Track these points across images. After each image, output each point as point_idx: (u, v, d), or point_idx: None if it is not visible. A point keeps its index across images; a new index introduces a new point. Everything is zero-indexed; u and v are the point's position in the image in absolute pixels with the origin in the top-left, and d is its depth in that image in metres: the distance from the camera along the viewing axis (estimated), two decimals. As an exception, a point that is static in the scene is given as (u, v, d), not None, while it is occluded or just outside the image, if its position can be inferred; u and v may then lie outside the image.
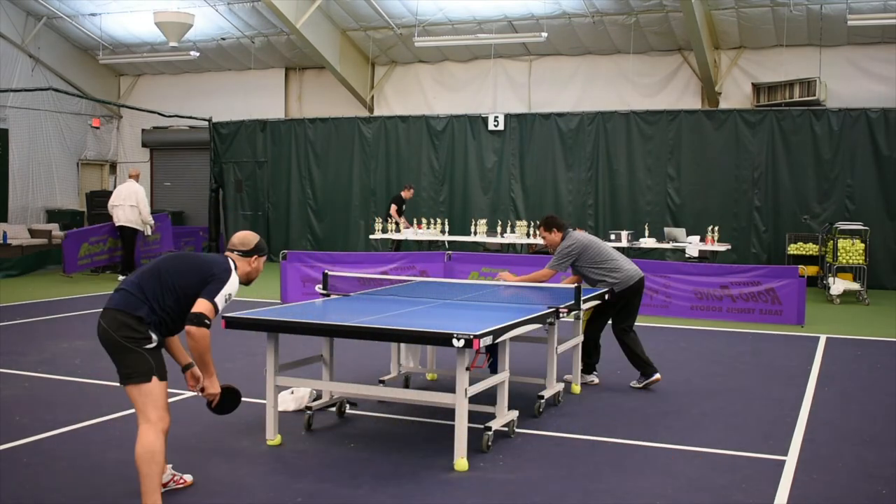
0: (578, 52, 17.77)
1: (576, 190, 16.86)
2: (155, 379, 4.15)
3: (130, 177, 15.18)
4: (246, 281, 4.53)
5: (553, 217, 7.45)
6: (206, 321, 4.15)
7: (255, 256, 4.54)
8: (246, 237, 4.59)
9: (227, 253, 4.54)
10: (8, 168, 19.31)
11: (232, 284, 4.28)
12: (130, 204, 14.61)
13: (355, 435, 5.67)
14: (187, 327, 4.14)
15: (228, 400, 4.61)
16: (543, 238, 7.37)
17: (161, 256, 4.44)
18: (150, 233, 15.07)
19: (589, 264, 7.14)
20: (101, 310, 4.26)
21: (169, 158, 21.48)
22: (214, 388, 4.45)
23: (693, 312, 11.21)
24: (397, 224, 15.42)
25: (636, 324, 7.39)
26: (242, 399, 4.77)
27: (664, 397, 6.85)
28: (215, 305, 4.18)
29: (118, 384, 4.21)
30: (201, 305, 4.15)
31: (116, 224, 14.76)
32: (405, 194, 16.12)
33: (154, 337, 4.18)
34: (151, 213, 15.46)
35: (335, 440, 5.56)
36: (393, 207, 15.83)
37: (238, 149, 19.43)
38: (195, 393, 4.61)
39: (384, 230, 15.28)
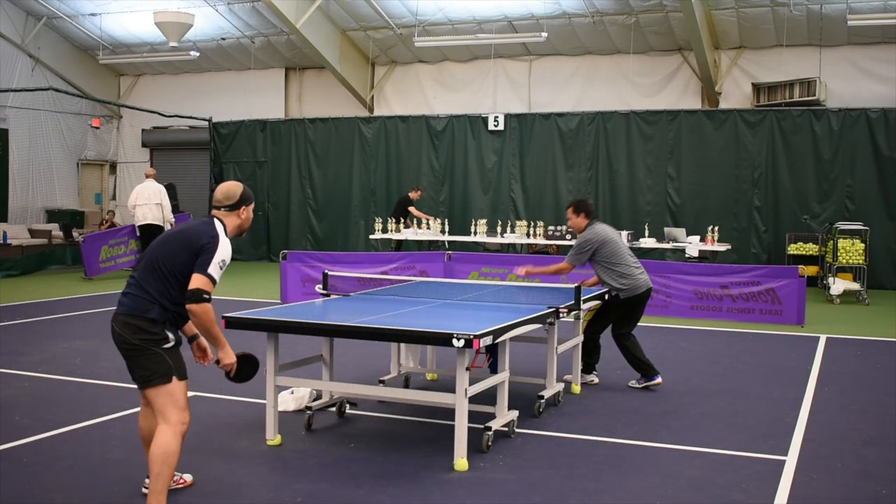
0: (578, 52, 17.76)
1: (576, 190, 16.85)
2: (175, 379, 4.12)
3: (148, 176, 15.28)
4: (238, 233, 4.41)
5: (584, 201, 7.43)
6: (205, 296, 4.06)
7: (243, 208, 4.38)
8: (229, 190, 4.38)
9: (214, 212, 4.37)
10: (8, 168, 19.32)
11: (223, 250, 4.15)
12: (155, 202, 14.80)
13: (355, 435, 5.67)
14: (187, 306, 4.06)
15: (246, 367, 4.51)
16: (569, 220, 7.36)
17: (150, 246, 4.31)
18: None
19: (602, 260, 7.13)
20: (109, 310, 4.22)
21: (169, 158, 21.48)
22: (229, 357, 4.37)
23: (693, 312, 11.21)
24: (426, 222, 15.39)
25: (637, 323, 7.39)
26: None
27: (664, 397, 6.85)
28: (210, 277, 4.08)
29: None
30: (196, 281, 4.05)
31: (141, 223, 14.81)
32: (413, 195, 16.11)
33: (171, 336, 4.15)
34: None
35: (335, 440, 5.56)
36: (413, 208, 15.84)
37: (238, 149, 19.44)
38: (205, 365, 4.56)
39: (384, 230, 15.28)
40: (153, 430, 4.25)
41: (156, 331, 4.09)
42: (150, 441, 4.33)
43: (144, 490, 4.46)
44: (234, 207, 4.36)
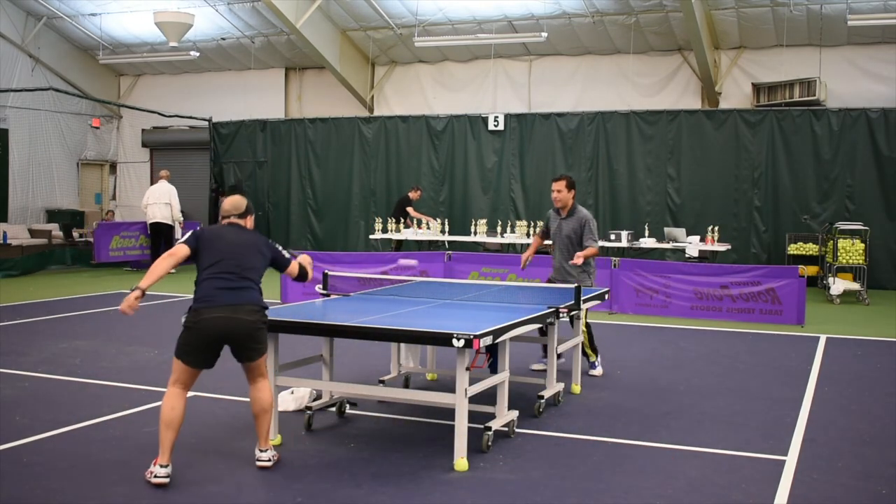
0: (578, 52, 17.76)
1: (576, 190, 16.80)
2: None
3: (161, 177, 16.31)
4: None
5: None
6: (305, 269, 5.25)
7: (249, 216, 5.07)
8: (236, 202, 5.05)
9: (226, 221, 4.97)
10: (8, 168, 19.31)
11: (272, 242, 5.15)
12: (164, 202, 15.89)
13: (355, 435, 5.67)
14: (304, 282, 5.39)
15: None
16: (558, 192, 7.51)
17: (230, 252, 4.81)
18: (180, 230, 15.97)
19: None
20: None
21: (169, 158, 21.45)
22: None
23: (693, 312, 11.21)
24: (426, 223, 15.36)
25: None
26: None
27: (664, 397, 6.85)
28: (295, 257, 5.23)
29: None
30: (295, 265, 5.19)
31: (151, 221, 15.83)
32: (413, 195, 16.11)
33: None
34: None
35: (335, 440, 5.56)
36: (411, 209, 15.84)
37: (238, 149, 19.43)
38: None
39: (384, 230, 15.27)
40: (181, 411, 4.70)
41: (267, 313, 4.92)
42: (172, 421, 4.64)
43: (152, 479, 4.58)
44: (242, 216, 5.04)
